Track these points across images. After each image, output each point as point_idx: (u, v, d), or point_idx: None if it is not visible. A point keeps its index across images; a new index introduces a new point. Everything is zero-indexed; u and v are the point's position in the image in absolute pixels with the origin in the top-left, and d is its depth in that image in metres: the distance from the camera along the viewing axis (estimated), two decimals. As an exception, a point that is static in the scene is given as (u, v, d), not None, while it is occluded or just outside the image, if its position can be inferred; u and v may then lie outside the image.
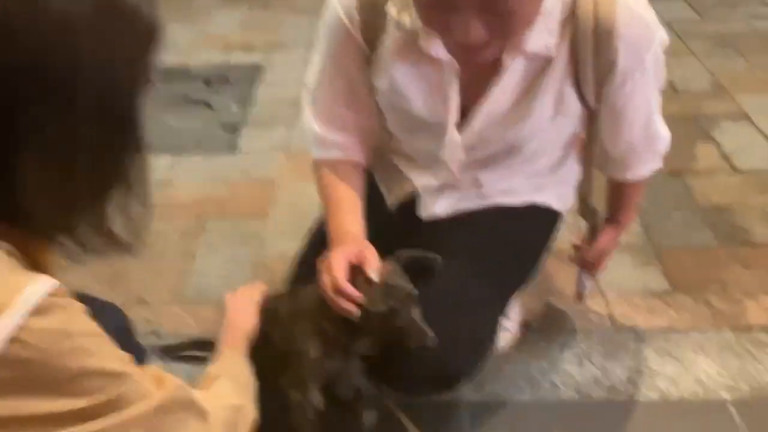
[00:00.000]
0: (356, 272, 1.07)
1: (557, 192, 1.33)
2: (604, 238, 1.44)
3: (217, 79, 2.91)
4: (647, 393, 1.48)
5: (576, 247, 1.50)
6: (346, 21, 1.14)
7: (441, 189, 1.28)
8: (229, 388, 0.96)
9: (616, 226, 1.44)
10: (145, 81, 0.68)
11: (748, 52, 2.92)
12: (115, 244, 0.72)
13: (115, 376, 0.66)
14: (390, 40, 1.13)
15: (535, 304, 1.70)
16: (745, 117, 2.44)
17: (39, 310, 0.59)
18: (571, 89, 1.13)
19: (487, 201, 1.28)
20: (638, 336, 1.62)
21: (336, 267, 1.06)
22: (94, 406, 0.64)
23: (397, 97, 1.17)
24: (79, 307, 0.65)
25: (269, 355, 1.14)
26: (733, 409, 1.43)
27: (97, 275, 1.86)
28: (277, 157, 2.37)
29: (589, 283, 1.56)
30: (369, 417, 1.33)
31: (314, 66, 1.25)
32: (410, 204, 1.31)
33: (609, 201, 1.43)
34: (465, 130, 1.18)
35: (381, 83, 1.17)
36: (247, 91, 2.80)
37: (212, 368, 1.03)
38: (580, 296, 1.58)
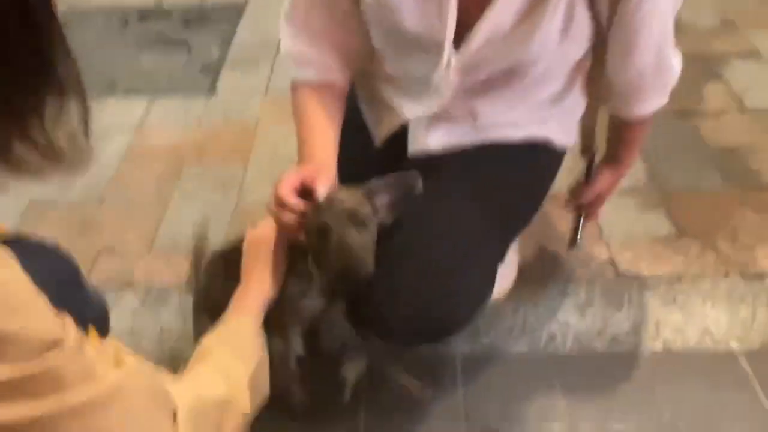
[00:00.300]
0: (307, 194, 0.99)
1: (560, 126, 1.21)
2: (603, 181, 1.34)
3: (196, 18, 2.74)
4: (652, 344, 1.39)
5: (572, 190, 1.41)
6: None
7: (433, 120, 1.16)
8: (221, 370, 0.79)
9: (616, 169, 1.34)
10: None
11: (759, -13, 2.76)
12: (53, 160, 0.59)
13: (47, 344, 0.52)
14: None
15: (532, 251, 1.59)
16: (756, 54, 2.29)
17: None
18: (583, 7, 1.00)
19: (484, 135, 1.16)
20: (642, 284, 1.51)
21: (283, 182, 0.97)
22: (16, 380, 0.50)
23: (385, 10, 1.03)
24: (2, 253, 0.53)
25: None
26: (743, 361, 1.34)
27: (64, 223, 1.75)
28: (259, 100, 2.23)
29: (583, 230, 1.45)
30: (350, 370, 1.24)
31: None
32: (399, 140, 1.19)
33: (610, 142, 1.33)
34: (462, 48, 1.04)
35: None
36: (228, 32, 2.64)
37: (208, 339, 0.87)
38: (573, 242, 1.47)
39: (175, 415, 0.64)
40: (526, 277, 1.53)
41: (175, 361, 1.38)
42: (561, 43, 1.04)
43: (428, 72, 1.07)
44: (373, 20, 1.08)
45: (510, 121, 1.16)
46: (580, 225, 1.42)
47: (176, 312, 1.49)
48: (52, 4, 0.56)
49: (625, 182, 1.70)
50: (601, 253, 1.60)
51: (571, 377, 1.33)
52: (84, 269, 0.99)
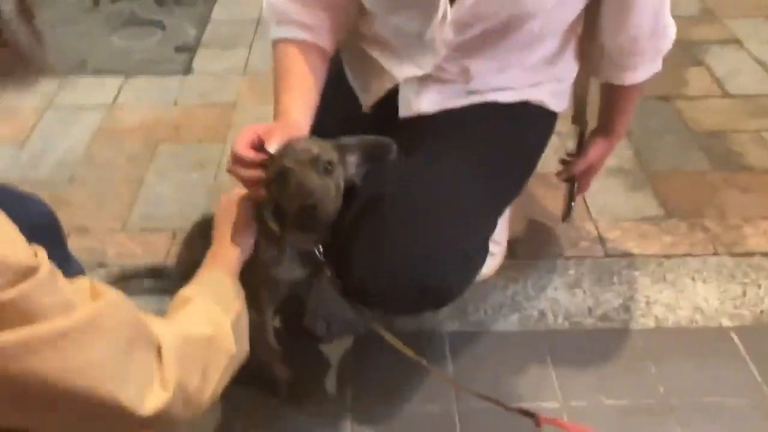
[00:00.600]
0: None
1: (553, 88, 1.18)
2: (594, 151, 1.32)
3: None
4: (643, 320, 1.37)
5: (563, 162, 1.39)
6: None
7: (425, 81, 1.11)
8: (202, 312, 0.75)
9: (607, 138, 1.32)
10: None
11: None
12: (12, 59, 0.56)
13: (22, 271, 0.48)
14: None
15: (520, 228, 1.56)
16: (735, 41, 2.30)
17: None
18: None
19: (477, 97, 1.12)
20: (631, 262, 1.49)
21: (238, 138, 0.94)
22: None
23: None
24: None
25: None
26: (735, 337, 1.32)
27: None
28: (236, 79, 2.17)
29: (575, 203, 1.43)
30: (320, 325, 1.22)
31: None
32: (388, 104, 1.14)
33: (602, 111, 1.31)
34: (458, 2, 1.00)
35: None
36: (204, 12, 2.57)
37: (185, 289, 0.83)
38: (567, 215, 1.45)
39: (159, 351, 0.59)
40: (515, 254, 1.50)
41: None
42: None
43: (422, 27, 1.03)
44: None
45: (503, 83, 1.13)
46: (573, 196, 1.40)
47: (149, 292, 1.43)
48: None
49: (612, 163, 1.69)
50: (590, 232, 1.57)
51: (563, 354, 1.30)
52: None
